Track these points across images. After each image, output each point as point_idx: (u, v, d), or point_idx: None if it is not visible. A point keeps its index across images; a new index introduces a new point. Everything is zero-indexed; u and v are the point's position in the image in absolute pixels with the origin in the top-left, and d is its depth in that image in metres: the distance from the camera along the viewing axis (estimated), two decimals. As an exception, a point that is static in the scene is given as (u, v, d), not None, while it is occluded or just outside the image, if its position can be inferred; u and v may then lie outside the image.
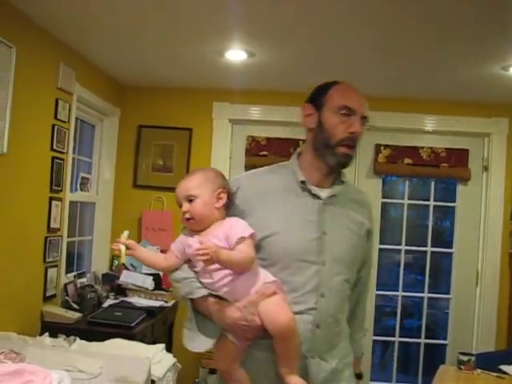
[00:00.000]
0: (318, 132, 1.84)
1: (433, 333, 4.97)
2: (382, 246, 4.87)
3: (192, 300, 1.77)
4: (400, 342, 4.95)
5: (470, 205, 4.81)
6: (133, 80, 4.71)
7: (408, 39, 3.35)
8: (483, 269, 4.78)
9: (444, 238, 4.95)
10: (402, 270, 4.93)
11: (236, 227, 1.71)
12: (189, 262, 1.79)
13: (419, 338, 4.93)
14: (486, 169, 4.80)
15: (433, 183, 4.91)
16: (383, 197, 4.90)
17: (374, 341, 4.87)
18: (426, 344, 4.94)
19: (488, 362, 3.91)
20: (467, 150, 4.77)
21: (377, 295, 4.86)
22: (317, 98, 1.89)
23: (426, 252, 4.93)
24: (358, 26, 3.17)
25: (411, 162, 4.78)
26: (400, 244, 4.92)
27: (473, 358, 3.75)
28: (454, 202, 4.90)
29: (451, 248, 4.90)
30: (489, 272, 4.77)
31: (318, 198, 1.85)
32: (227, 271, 1.67)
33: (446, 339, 4.91)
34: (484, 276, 4.78)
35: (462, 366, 3.69)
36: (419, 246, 4.95)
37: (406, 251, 4.97)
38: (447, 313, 4.92)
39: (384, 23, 3.10)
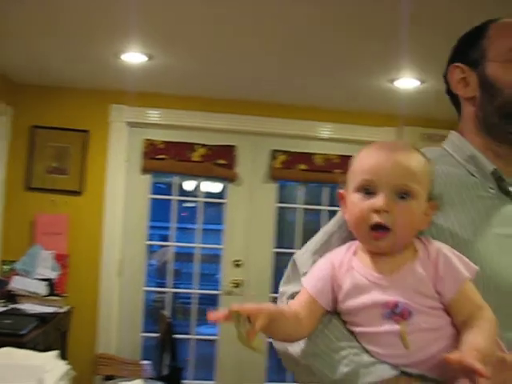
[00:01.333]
0: (486, 98, 1.24)
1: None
2: (279, 250, 4.98)
3: None
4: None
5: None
6: (27, 78, 4.56)
7: (305, 49, 3.47)
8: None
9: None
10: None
11: (457, 261, 1.05)
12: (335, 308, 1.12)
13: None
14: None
15: (326, 189, 5.08)
16: (279, 202, 5.01)
17: (270, 343, 4.94)
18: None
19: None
20: (359, 158, 4.95)
21: (274, 298, 4.95)
22: (468, 50, 1.28)
23: (319, 255, 5.04)
24: (259, 32, 3.25)
25: (306, 168, 4.92)
26: (295, 248, 5.05)
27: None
28: (346, 207, 5.06)
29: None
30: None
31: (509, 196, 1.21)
32: (433, 327, 1.03)
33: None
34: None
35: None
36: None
37: (301, 255, 5.07)
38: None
39: (282, 30, 3.20)
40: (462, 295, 1.03)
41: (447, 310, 1.04)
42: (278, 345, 1.22)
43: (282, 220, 5.09)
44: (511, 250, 1.14)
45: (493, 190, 1.21)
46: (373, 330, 1.05)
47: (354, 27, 3.09)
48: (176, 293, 5.07)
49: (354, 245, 1.13)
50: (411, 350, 1.01)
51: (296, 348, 1.15)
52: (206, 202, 5.02)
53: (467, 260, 1.05)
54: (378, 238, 1.05)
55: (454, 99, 1.35)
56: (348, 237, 1.16)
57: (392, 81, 3.98)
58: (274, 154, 4.91)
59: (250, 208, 4.90)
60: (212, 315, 1.01)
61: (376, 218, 1.04)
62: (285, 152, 4.91)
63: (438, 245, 1.08)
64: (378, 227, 1.04)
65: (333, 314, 1.13)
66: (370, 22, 2.99)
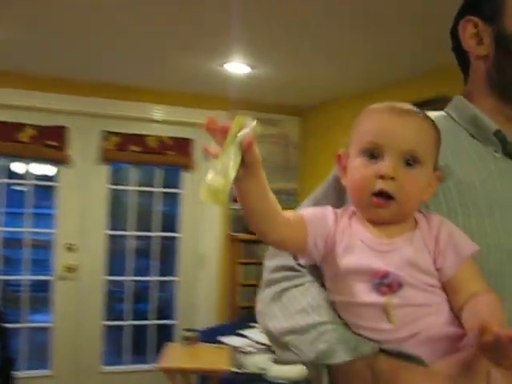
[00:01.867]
0: (502, 56, 1.09)
1: (163, 314, 5.18)
2: (112, 233, 4.94)
3: (330, 369, 0.97)
4: (133, 326, 5.06)
5: (193, 191, 5.06)
6: None
7: (137, 31, 3.47)
8: (206, 251, 5.12)
9: (171, 223, 5.18)
10: (131, 255, 5.05)
11: (459, 237, 0.98)
12: (323, 262, 1.02)
13: (150, 320, 5.12)
14: (207, 157, 5.11)
15: (160, 170, 5.11)
16: (112, 184, 4.96)
17: (106, 326, 4.92)
18: (157, 325, 5.14)
19: (210, 335, 4.23)
20: (191, 140, 5.05)
21: (108, 281, 4.93)
22: (483, 2, 1.12)
23: (154, 237, 5.11)
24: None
25: (138, 150, 4.91)
26: (129, 230, 5.04)
27: (196, 334, 4.03)
28: (180, 188, 5.15)
29: (178, 233, 5.15)
30: (211, 254, 5.13)
31: None
32: (421, 301, 0.94)
33: (174, 319, 5.16)
34: (207, 258, 5.12)
35: (187, 341, 3.94)
36: (148, 232, 5.10)
37: (136, 237, 5.10)
38: (174, 294, 5.17)
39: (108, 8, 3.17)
40: (465, 272, 0.95)
41: (445, 289, 0.95)
42: (260, 319, 1.12)
43: (115, 202, 5.05)
44: None
45: (497, 154, 1.09)
46: (356, 300, 0.95)
47: (186, 10, 3.12)
48: (6, 280, 4.85)
49: (349, 209, 1.03)
50: (396, 326, 0.92)
51: (276, 324, 1.06)
52: (37, 186, 4.83)
53: (468, 238, 0.97)
54: (381, 206, 0.95)
55: (461, 57, 1.19)
56: (335, 205, 1.05)
57: (223, 64, 4.08)
58: (106, 135, 4.84)
59: (82, 191, 4.81)
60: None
61: (380, 185, 0.94)
62: (117, 134, 4.86)
63: (439, 218, 0.99)
64: (381, 195, 0.95)
65: (311, 281, 1.07)
66: (202, 6, 3.05)
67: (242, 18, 3.09)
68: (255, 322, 1.22)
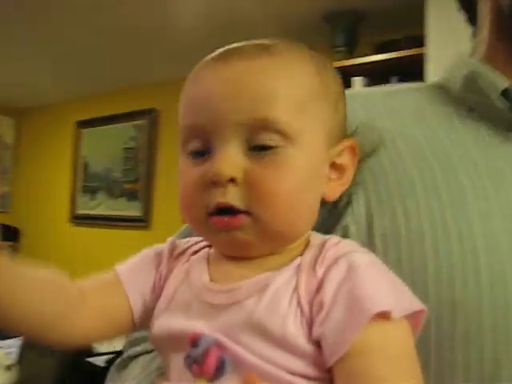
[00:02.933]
0: None
1: None
2: None
3: None
4: None
5: None
6: None
7: None
8: None
9: None
10: None
11: (373, 284, 0.52)
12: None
13: None
14: None
15: None
16: None
17: None
18: None
19: None
20: None
21: None
22: None
23: None
24: None
25: None
26: None
27: None
28: None
29: None
30: None
31: None
32: None
33: None
34: None
35: None
36: None
37: None
38: None
39: None
40: (365, 354, 0.49)
41: None
42: None
43: None
44: None
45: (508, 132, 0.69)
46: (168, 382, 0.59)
47: None
48: None
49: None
50: None
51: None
52: None
53: (409, 293, 0.53)
54: (226, 229, 0.56)
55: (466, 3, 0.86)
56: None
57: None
58: None
59: None
60: None
61: (215, 197, 0.55)
62: None
63: (351, 250, 0.55)
64: (222, 212, 0.55)
65: (132, 357, 0.77)
66: None
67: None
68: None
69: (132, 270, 0.64)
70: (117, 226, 4.22)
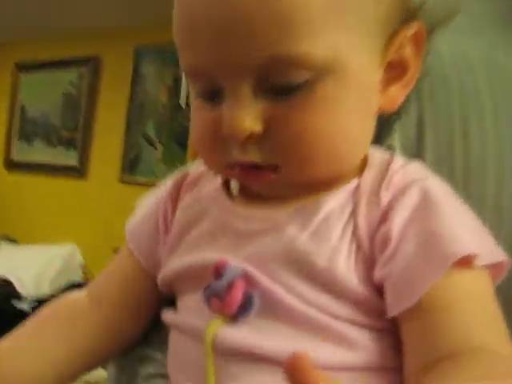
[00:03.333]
0: None
1: None
2: None
3: None
4: None
5: None
6: None
7: None
8: None
9: None
10: None
11: (450, 224, 0.43)
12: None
13: None
14: None
15: None
16: None
17: None
18: None
19: None
20: None
21: None
22: None
23: None
24: None
25: None
26: None
27: None
28: None
29: None
30: None
31: None
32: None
33: None
34: None
35: None
36: None
37: None
38: None
39: None
40: (445, 308, 0.41)
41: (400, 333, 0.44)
42: None
43: None
44: None
45: None
46: (178, 319, 0.51)
47: None
48: None
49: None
50: None
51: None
52: None
53: (492, 239, 0.45)
54: (252, 182, 0.49)
55: None
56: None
57: None
58: None
59: None
60: None
61: (234, 155, 0.45)
62: None
63: (423, 175, 0.47)
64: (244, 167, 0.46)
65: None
66: None
67: None
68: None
69: (140, 235, 0.56)
70: (53, 174, 4.14)
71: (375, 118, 0.48)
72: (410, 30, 0.46)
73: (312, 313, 0.42)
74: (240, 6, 0.39)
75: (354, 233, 0.43)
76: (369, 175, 0.47)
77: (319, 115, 0.42)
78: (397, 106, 0.48)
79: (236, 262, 0.44)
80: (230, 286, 0.42)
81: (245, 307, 0.43)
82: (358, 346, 0.42)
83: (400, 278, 0.41)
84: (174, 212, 0.54)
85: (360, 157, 0.48)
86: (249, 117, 0.42)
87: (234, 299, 0.42)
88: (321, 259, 0.42)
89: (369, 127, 0.48)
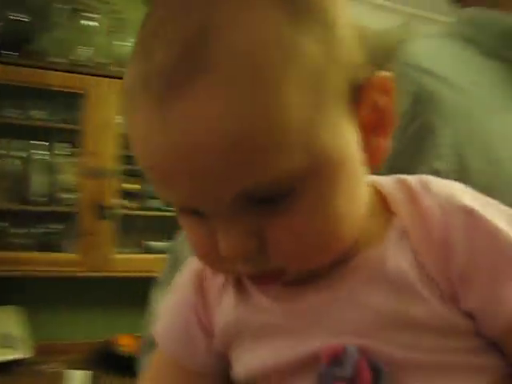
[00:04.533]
0: None
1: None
2: None
3: None
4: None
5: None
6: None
7: None
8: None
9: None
10: None
11: (503, 232, 0.42)
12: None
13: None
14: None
15: None
16: None
17: None
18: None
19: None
20: None
21: None
22: None
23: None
24: None
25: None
26: None
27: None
28: None
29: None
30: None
31: None
32: None
33: None
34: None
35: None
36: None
37: None
38: None
39: None
40: None
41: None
42: None
43: None
44: None
45: None
46: None
47: None
48: None
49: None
50: None
51: None
52: None
53: None
54: (265, 285, 0.46)
55: None
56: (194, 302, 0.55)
57: None
58: None
59: None
60: None
61: (238, 268, 0.43)
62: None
63: (447, 191, 0.45)
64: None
65: None
66: None
67: None
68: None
69: (174, 336, 0.53)
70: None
71: (367, 175, 0.45)
72: (375, 81, 0.43)
73: (438, 358, 0.42)
74: (195, 149, 0.36)
75: (429, 276, 0.42)
76: (402, 213, 0.45)
77: (312, 214, 0.40)
78: (385, 156, 0.45)
79: (338, 340, 0.43)
80: (357, 368, 0.41)
81: (376, 381, 0.42)
82: (485, 368, 0.43)
83: (488, 303, 0.42)
84: (208, 315, 0.51)
85: (363, 216, 0.45)
86: (241, 237, 0.40)
87: (365, 379, 0.41)
88: (417, 310, 0.42)
89: (363, 190, 0.45)
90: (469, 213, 0.42)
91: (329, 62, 0.39)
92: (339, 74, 0.40)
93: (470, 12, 0.72)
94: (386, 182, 0.47)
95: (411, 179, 0.46)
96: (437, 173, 0.53)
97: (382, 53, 0.43)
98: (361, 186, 0.44)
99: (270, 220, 0.39)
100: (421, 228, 0.43)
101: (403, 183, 0.46)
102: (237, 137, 0.35)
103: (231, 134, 0.35)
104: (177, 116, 0.36)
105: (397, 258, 0.43)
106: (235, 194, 0.38)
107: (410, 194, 0.45)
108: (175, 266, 0.62)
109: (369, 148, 0.43)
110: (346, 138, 0.41)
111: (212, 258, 0.43)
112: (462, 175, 0.55)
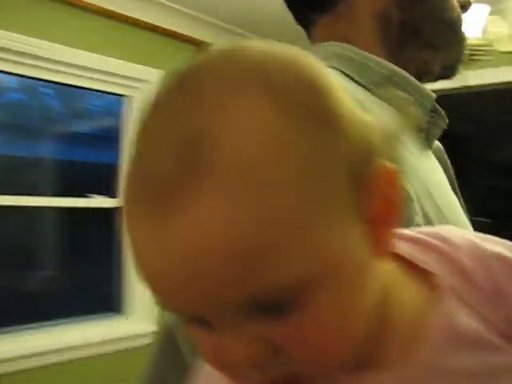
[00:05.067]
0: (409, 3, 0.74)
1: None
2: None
3: None
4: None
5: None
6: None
7: None
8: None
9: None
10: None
11: None
12: None
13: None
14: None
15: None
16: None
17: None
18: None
19: None
20: None
21: None
22: None
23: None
24: None
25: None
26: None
27: None
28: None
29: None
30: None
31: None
32: None
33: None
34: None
35: None
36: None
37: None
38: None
39: None
40: None
41: None
42: None
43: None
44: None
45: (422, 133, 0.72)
46: None
47: None
48: None
49: None
50: None
51: None
52: None
53: None
54: None
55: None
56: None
57: None
58: None
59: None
60: None
61: (253, 376, 0.40)
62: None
63: (472, 242, 0.46)
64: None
65: None
66: None
67: None
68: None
69: None
70: None
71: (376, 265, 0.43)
72: (382, 173, 0.40)
73: None
74: (194, 263, 0.35)
75: (493, 326, 0.43)
76: (440, 272, 0.45)
77: (323, 323, 0.38)
78: (392, 247, 0.43)
79: None
80: None
81: None
82: None
83: None
84: None
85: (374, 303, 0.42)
86: (248, 347, 0.38)
87: None
88: (499, 361, 0.42)
89: (375, 284, 0.42)
90: (501, 258, 0.43)
91: (331, 158, 0.38)
92: (341, 169, 0.38)
93: (340, 47, 0.72)
94: (402, 246, 0.46)
95: (426, 238, 0.46)
96: (418, 226, 0.57)
97: (384, 141, 0.41)
98: (373, 278, 0.42)
99: (279, 327, 0.38)
100: (466, 282, 0.43)
101: (422, 243, 0.46)
102: (241, 242, 0.34)
103: (235, 240, 0.34)
104: (176, 226, 0.35)
105: (462, 316, 0.42)
106: (241, 301, 0.36)
107: (439, 252, 0.45)
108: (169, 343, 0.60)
109: (376, 239, 0.41)
110: (353, 236, 0.39)
111: (227, 371, 0.41)
112: (427, 225, 0.58)
